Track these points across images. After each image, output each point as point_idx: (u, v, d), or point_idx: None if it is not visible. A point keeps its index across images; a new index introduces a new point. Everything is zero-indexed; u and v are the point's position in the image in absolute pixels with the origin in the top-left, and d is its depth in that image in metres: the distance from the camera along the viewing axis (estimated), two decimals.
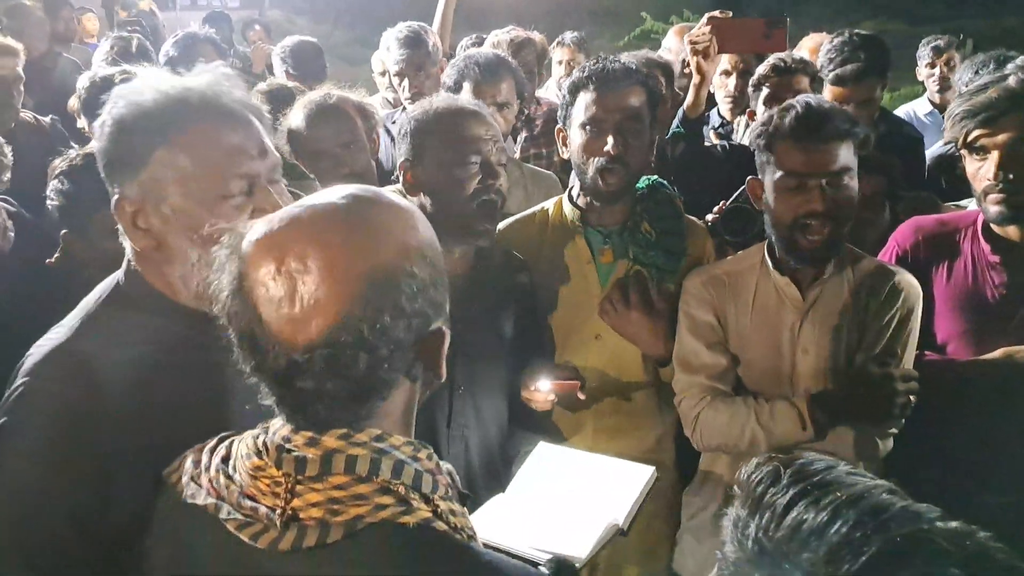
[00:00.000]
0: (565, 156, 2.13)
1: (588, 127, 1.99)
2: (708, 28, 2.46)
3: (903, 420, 1.81)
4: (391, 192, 1.03)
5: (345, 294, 0.87)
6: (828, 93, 2.79)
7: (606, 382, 2.08)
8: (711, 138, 3.14)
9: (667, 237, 2.06)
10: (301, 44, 3.97)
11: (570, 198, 2.14)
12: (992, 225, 1.98)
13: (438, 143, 1.88)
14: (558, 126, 2.11)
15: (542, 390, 1.91)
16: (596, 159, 1.98)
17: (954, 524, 0.64)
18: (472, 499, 1.18)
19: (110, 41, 3.88)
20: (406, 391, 0.97)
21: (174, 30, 4.50)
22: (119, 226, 1.24)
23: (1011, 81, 1.89)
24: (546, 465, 1.77)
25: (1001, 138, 1.87)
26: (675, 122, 2.60)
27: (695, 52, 2.47)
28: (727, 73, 3.14)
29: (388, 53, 3.18)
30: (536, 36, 3.64)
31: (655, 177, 2.16)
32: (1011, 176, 1.86)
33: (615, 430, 2.08)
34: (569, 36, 4.03)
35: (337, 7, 9.98)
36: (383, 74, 3.21)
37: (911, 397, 1.75)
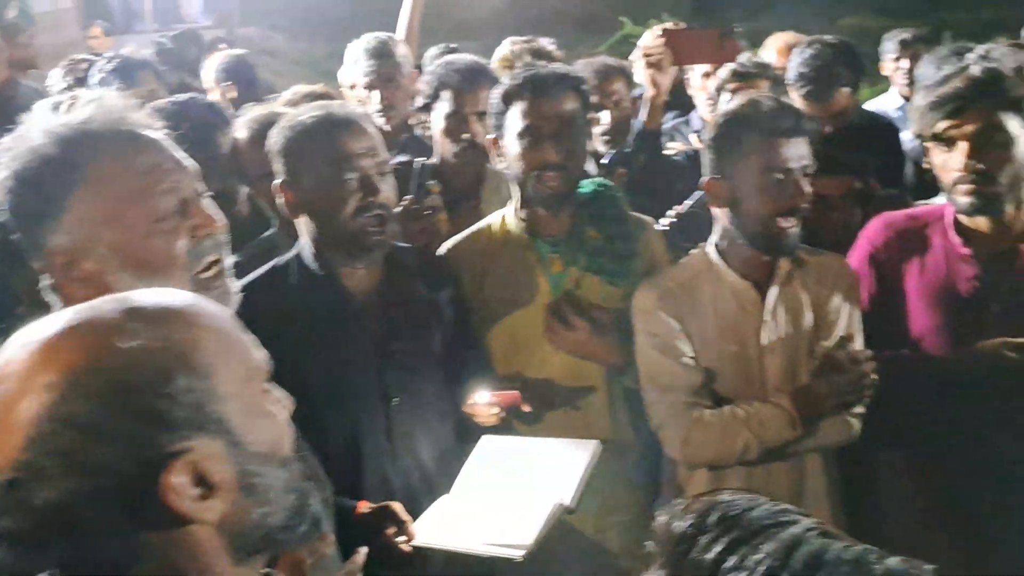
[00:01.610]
0: (500, 167, 2.10)
1: (525, 136, 1.97)
2: (661, 40, 2.45)
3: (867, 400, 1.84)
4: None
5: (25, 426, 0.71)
6: (800, 104, 2.76)
7: (563, 392, 2.05)
8: (692, 141, 3.08)
9: (615, 240, 2.05)
10: (236, 59, 4.02)
11: (515, 211, 2.10)
12: (962, 218, 1.96)
13: (311, 161, 1.80)
14: (490, 136, 2.06)
15: (480, 403, 1.87)
16: (536, 168, 1.96)
17: (894, 561, 0.58)
18: None
19: (64, 66, 3.78)
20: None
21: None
22: (45, 283, 1.18)
23: (974, 70, 1.88)
24: (489, 457, 1.77)
25: (969, 128, 1.85)
26: (634, 134, 2.58)
27: (649, 65, 2.46)
28: (708, 75, 3.08)
29: (356, 66, 3.08)
30: (551, 46, 3.54)
31: (598, 180, 2.16)
32: (980, 166, 1.84)
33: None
34: (544, 43, 3.94)
35: (313, 22, 9.91)
36: (352, 87, 3.11)
37: (874, 376, 1.78)
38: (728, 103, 1.91)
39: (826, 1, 8.94)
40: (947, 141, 1.89)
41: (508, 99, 2.00)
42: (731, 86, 2.66)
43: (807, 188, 1.83)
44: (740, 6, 8.26)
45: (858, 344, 1.91)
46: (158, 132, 1.23)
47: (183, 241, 1.18)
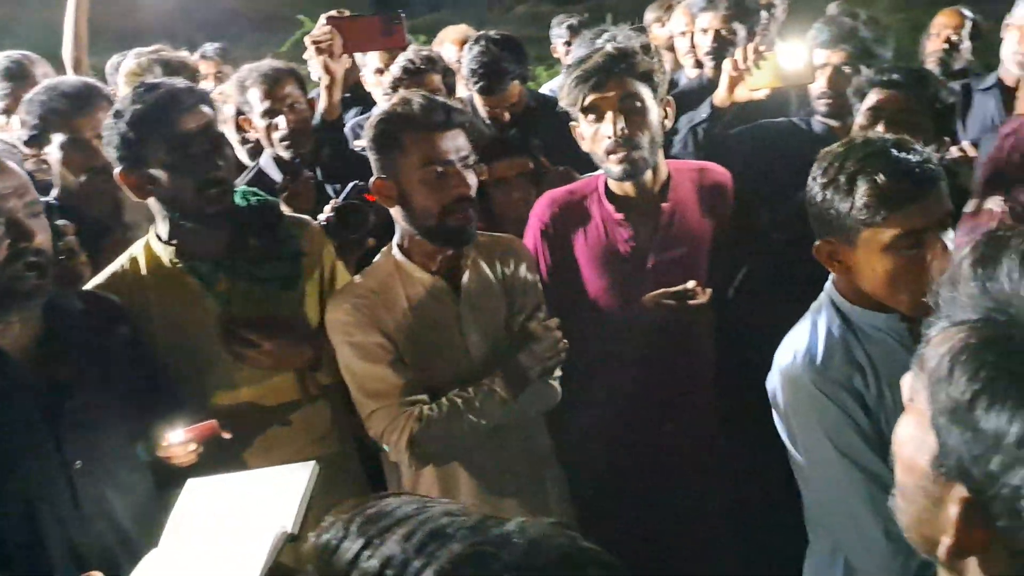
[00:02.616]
0: (145, 198, 1.95)
1: (176, 155, 1.87)
2: (328, 28, 2.42)
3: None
4: None
5: None
6: (477, 100, 2.90)
7: (265, 410, 2.00)
8: None
9: (278, 245, 2.02)
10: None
11: (158, 238, 1.98)
12: (612, 186, 2.15)
13: None
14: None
15: (175, 442, 1.76)
16: (199, 187, 1.89)
17: (512, 524, 0.62)
18: None
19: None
20: None
21: None
22: None
23: (608, 48, 2.08)
24: (198, 501, 1.65)
25: (612, 95, 2.03)
26: (315, 126, 2.54)
27: (320, 52, 2.43)
28: (380, 71, 3.11)
29: None
30: (187, 57, 3.32)
31: (245, 189, 2.11)
32: (626, 130, 2.02)
33: (291, 453, 1.96)
34: (211, 48, 3.74)
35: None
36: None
37: (565, 341, 1.91)
38: (382, 104, 1.92)
39: None
40: (596, 112, 2.05)
41: (139, 124, 1.86)
42: (403, 84, 2.68)
43: (471, 178, 1.88)
44: (418, 1, 8.42)
45: (544, 313, 2.02)
46: None
47: None
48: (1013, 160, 2.00)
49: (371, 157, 1.90)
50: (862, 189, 1.46)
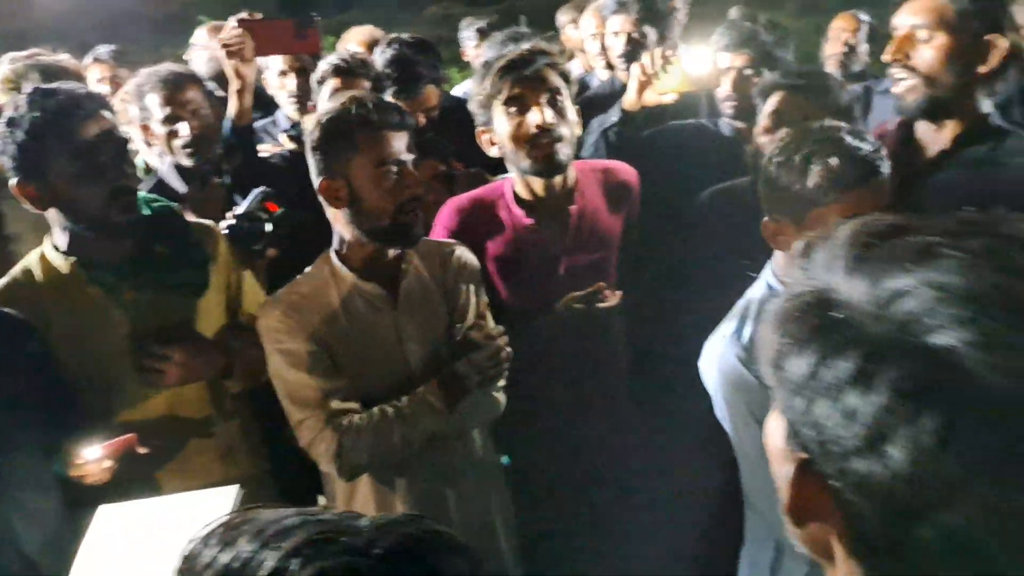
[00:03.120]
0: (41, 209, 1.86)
1: (77, 164, 1.80)
2: (239, 31, 2.33)
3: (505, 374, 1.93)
4: None
5: None
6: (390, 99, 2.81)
7: (180, 422, 1.94)
8: (284, 141, 2.99)
9: (185, 251, 1.97)
10: None
11: (55, 248, 1.90)
12: (519, 191, 2.13)
13: None
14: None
15: (92, 459, 1.69)
16: (109, 196, 1.83)
17: (366, 520, 0.64)
18: None
19: None
20: None
21: None
22: None
23: (525, 44, 2.08)
24: (111, 528, 1.56)
25: (539, 86, 2.01)
26: (225, 132, 2.43)
27: (231, 55, 2.33)
28: (284, 73, 3.01)
29: None
30: (68, 61, 3.13)
31: (147, 196, 2.05)
32: (553, 121, 2.00)
33: (203, 468, 1.96)
34: (104, 50, 3.56)
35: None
36: None
37: (508, 350, 1.88)
38: (328, 103, 1.85)
39: None
40: (520, 104, 2.00)
41: (38, 133, 1.78)
42: (334, 82, 2.59)
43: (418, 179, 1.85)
44: (327, 2, 8.28)
45: (489, 321, 1.98)
46: None
47: None
48: None
49: (315, 158, 1.81)
50: (815, 170, 1.55)
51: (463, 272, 1.97)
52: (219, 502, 1.57)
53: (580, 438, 2.17)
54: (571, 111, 2.07)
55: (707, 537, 1.97)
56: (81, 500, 1.68)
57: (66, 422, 1.75)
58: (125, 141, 1.91)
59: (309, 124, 1.84)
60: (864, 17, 3.86)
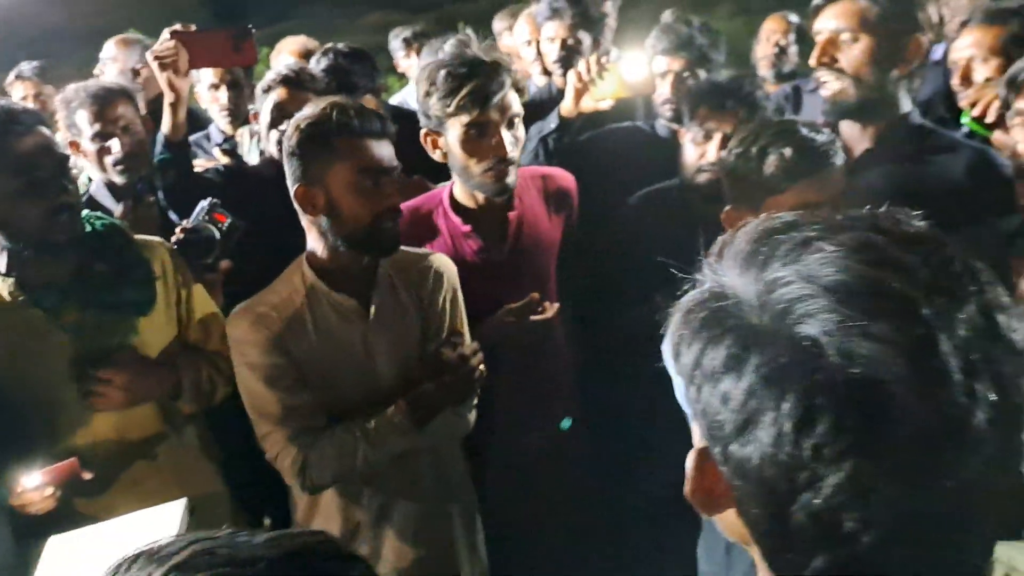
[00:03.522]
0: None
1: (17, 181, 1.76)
2: (173, 43, 2.28)
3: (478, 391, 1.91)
4: None
5: None
6: None
7: (128, 445, 1.90)
8: (217, 155, 2.94)
9: (129, 269, 1.92)
10: None
11: None
12: (457, 197, 2.11)
13: None
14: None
15: (31, 487, 1.64)
16: (45, 217, 1.79)
17: (261, 537, 0.65)
18: None
19: None
20: None
21: None
22: None
23: (486, 58, 1.96)
24: (63, 557, 1.53)
25: (499, 116, 1.95)
26: (158, 148, 2.37)
27: (164, 68, 2.28)
28: (216, 86, 2.96)
29: None
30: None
31: (90, 212, 2.00)
32: (512, 153, 1.98)
33: (156, 490, 1.88)
34: (28, 67, 3.46)
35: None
36: None
37: (482, 368, 1.84)
38: (306, 109, 1.79)
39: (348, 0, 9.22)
40: (480, 128, 1.95)
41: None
42: (280, 91, 2.52)
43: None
44: (262, 13, 8.17)
45: (467, 337, 1.94)
46: None
47: None
48: None
49: (292, 163, 1.76)
50: (771, 160, 1.64)
51: (440, 283, 1.92)
52: (168, 517, 1.56)
53: (529, 447, 2.17)
54: (522, 130, 2.05)
55: (669, 531, 1.97)
56: (31, 531, 1.64)
57: (4, 448, 1.70)
58: (65, 157, 1.87)
59: (288, 129, 1.79)
60: (793, 19, 3.95)
